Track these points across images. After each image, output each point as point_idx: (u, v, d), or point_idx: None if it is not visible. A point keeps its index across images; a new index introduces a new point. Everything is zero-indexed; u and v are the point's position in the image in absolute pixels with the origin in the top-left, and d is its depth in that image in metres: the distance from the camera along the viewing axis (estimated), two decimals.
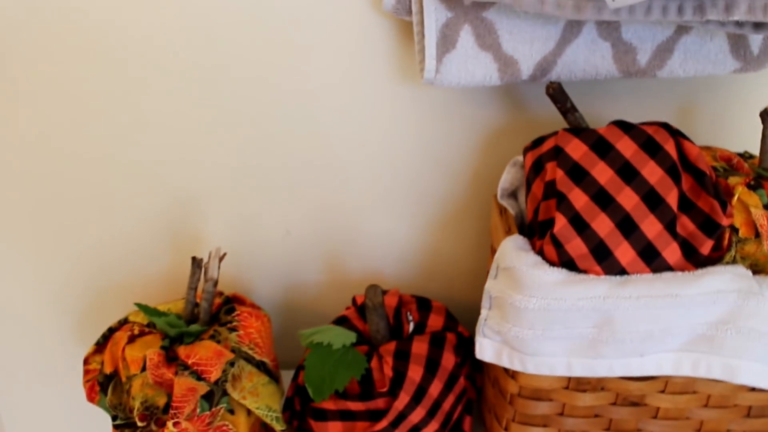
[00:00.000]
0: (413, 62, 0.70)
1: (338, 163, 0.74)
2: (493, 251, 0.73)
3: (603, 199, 0.59)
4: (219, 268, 0.68)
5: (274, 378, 0.69)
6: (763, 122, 0.64)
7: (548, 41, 0.65)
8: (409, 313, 0.70)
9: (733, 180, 0.62)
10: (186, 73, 0.70)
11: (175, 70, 0.70)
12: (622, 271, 0.59)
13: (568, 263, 0.60)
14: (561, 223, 0.59)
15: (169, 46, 0.69)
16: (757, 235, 0.61)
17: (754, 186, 0.61)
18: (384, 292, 0.72)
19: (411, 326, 0.69)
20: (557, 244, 0.59)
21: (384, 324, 0.67)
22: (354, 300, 0.73)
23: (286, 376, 0.78)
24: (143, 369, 0.64)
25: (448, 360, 0.66)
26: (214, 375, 0.64)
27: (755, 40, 0.66)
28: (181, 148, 0.73)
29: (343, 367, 0.65)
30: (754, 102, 0.72)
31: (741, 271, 0.59)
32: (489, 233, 0.78)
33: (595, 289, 0.58)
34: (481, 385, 0.72)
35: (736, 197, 0.61)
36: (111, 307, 0.81)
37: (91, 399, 0.67)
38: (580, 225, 0.59)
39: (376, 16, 0.68)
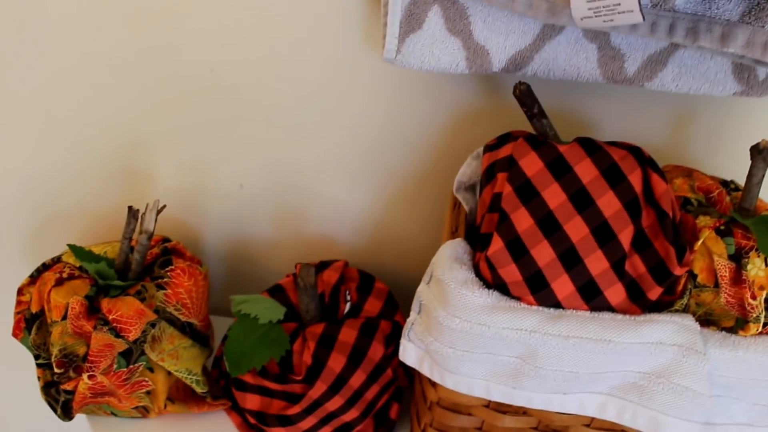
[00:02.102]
0: (377, 30, 0.64)
1: (296, 123, 0.69)
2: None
3: (549, 226, 0.54)
4: (156, 220, 0.65)
5: (201, 339, 0.67)
6: (752, 158, 0.57)
7: (525, 35, 0.58)
8: (347, 293, 0.67)
9: (702, 221, 0.56)
10: (146, 15, 0.65)
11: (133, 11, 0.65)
12: (557, 305, 0.55)
13: (501, 286, 0.56)
14: (497, 245, 0.55)
15: None
16: (717, 284, 0.55)
17: (723, 232, 0.56)
18: (328, 264, 0.69)
19: (347, 306, 0.67)
20: (490, 267, 0.55)
21: (314, 305, 0.64)
22: (296, 268, 0.70)
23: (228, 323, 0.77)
24: (64, 317, 0.63)
25: (376, 351, 0.64)
26: (133, 334, 0.63)
27: None
28: (137, 89, 0.69)
29: (265, 345, 0.63)
30: (757, 120, 0.65)
31: (687, 324, 0.55)
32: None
33: (522, 321, 0.54)
34: (414, 373, 0.70)
35: (700, 242, 0.55)
36: (57, 235, 0.79)
37: (15, 335, 0.67)
38: (518, 250, 0.54)
39: None
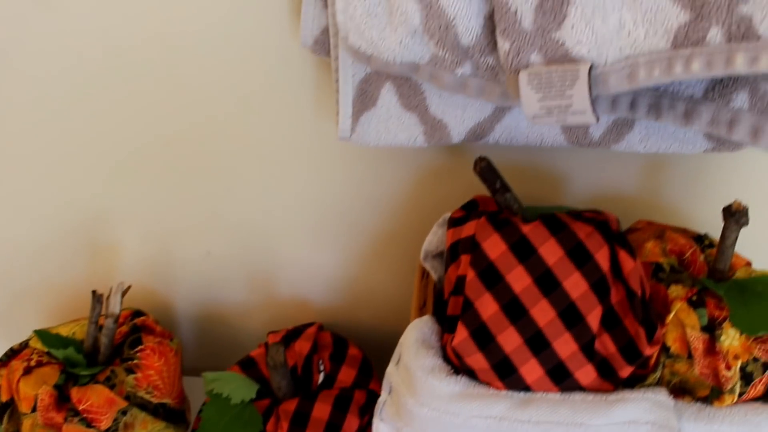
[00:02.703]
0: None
1: (258, 190, 0.67)
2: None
3: (515, 311, 0.53)
4: (121, 302, 0.64)
5: (175, 417, 0.66)
6: (724, 220, 0.55)
7: (484, 106, 0.56)
8: (321, 363, 0.66)
9: (674, 291, 0.55)
10: (108, 84, 0.63)
11: (97, 81, 0.63)
12: (527, 389, 0.54)
13: (469, 372, 0.54)
14: (462, 336, 0.53)
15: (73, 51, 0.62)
16: (690, 355, 0.54)
17: (695, 302, 0.54)
18: (299, 333, 0.68)
19: (321, 377, 0.66)
20: (457, 356, 0.54)
21: (286, 382, 0.63)
22: (267, 338, 0.69)
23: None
24: (34, 408, 0.62)
25: (351, 424, 0.63)
26: (104, 424, 0.62)
27: None
28: (95, 161, 0.67)
29: (238, 426, 0.62)
30: (735, 162, 0.63)
31: (661, 399, 0.53)
32: None
33: (491, 409, 0.53)
34: None
35: (672, 314, 0.54)
36: (26, 312, 0.78)
37: None
38: (483, 338, 0.53)
39: (301, 50, 0.60)
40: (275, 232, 0.70)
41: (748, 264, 0.59)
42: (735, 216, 0.54)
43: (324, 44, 0.56)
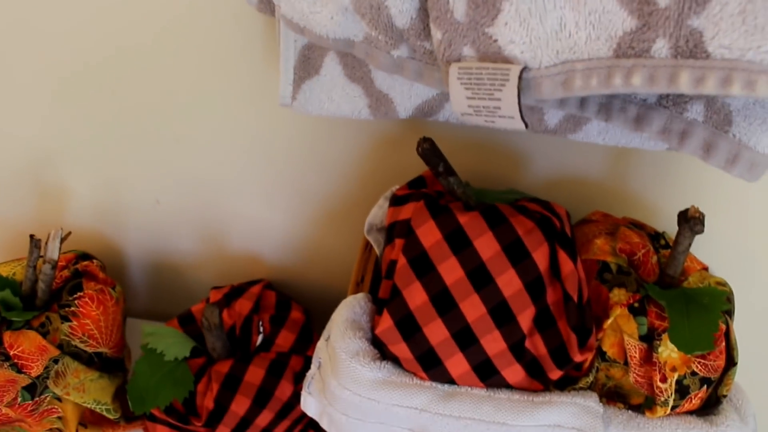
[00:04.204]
0: None
1: (206, 142, 0.65)
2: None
3: (443, 304, 0.51)
4: (60, 249, 0.63)
5: (111, 366, 0.66)
6: (679, 225, 0.52)
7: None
8: (260, 324, 0.65)
9: (616, 295, 0.52)
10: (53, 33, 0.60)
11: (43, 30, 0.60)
12: (451, 382, 0.52)
13: (394, 359, 0.53)
14: (386, 324, 0.51)
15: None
16: (626, 362, 0.52)
17: (636, 310, 0.51)
18: (242, 291, 0.67)
19: (260, 339, 0.64)
20: (381, 343, 0.52)
21: (221, 344, 0.62)
22: (209, 297, 0.67)
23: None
24: None
25: (284, 390, 0.62)
26: (35, 371, 0.61)
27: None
28: (41, 98, 0.65)
29: (169, 383, 0.62)
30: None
31: (590, 405, 0.52)
32: None
33: (413, 399, 0.52)
34: None
35: (609, 321, 0.51)
36: None
37: None
38: (409, 328, 0.51)
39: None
40: (226, 186, 0.68)
41: (704, 269, 0.56)
42: (690, 222, 0.51)
43: (270, 4, 0.52)
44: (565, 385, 0.53)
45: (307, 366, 0.64)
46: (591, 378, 0.53)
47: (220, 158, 0.65)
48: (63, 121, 0.66)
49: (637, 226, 0.58)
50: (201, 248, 0.73)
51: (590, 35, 0.38)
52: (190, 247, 0.73)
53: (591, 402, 0.52)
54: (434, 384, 0.52)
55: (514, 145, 0.61)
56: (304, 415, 0.65)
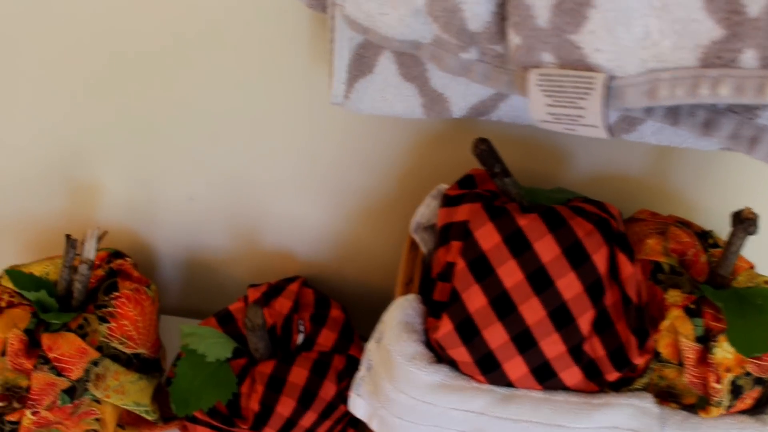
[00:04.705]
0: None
1: (248, 141, 0.64)
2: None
3: (503, 307, 0.50)
4: (96, 249, 0.62)
5: (149, 367, 0.65)
6: (732, 225, 0.52)
7: None
8: (301, 323, 0.64)
9: (672, 296, 0.52)
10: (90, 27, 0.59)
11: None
12: (509, 385, 0.52)
13: (451, 362, 0.52)
14: (446, 328, 0.51)
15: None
16: (681, 363, 0.52)
17: (692, 311, 0.51)
18: (281, 290, 0.66)
19: (300, 338, 0.64)
20: (439, 347, 0.52)
21: (264, 344, 0.62)
22: (246, 295, 0.67)
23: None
24: (4, 352, 0.61)
25: (328, 390, 0.62)
26: (75, 374, 0.60)
27: None
28: (75, 94, 0.63)
29: (212, 385, 0.61)
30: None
31: (646, 407, 0.52)
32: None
33: (471, 403, 0.52)
34: None
35: (666, 322, 0.51)
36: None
37: None
38: (468, 332, 0.51)
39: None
40: (262, 182, 0.67)
41: (751, 267, 0.56)
42: (744, 224, 0.51)
43: (321, 0, 0.51)
44: (620, 386, 0.53)
45: (349, 365, 0.64)
46: (646, 379, 0.53)
47: (258, 155, 0.64)
48: (97, 116, 0.64)
49: (685, 224, 0.58)
50: (234, 245, 0.72)
51: (676, 44, 0.38)
52: (223, 244, 0.72)
53: (647, 403, 0.52)
54: (492, 387, 0.52)
55: (555, 142, 0.60)
56: (344, 414, 0.64)
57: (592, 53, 0.39)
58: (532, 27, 0.40)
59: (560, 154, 0.61)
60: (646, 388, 0.53)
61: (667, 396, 0.54)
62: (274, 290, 0.66)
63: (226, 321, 0.65)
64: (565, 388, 0.52)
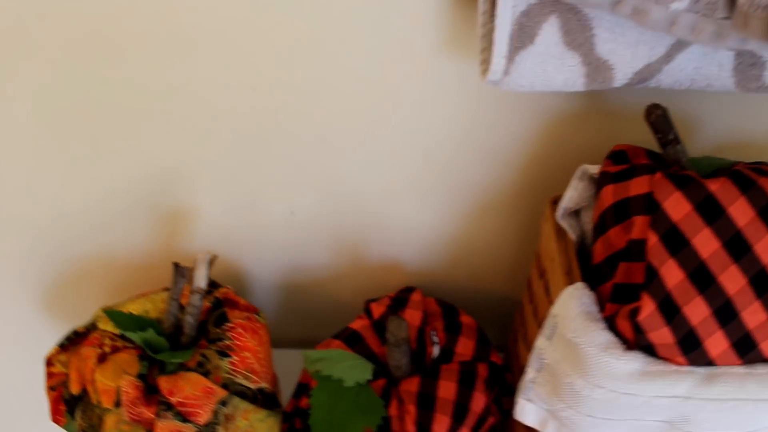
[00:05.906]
0: (461, 30, 0.53)
1: (356, 142, 0.58)
2: (538, 262, 0.61)
3: (702, 279, 0.47)
4: (208, 276, 0.55)
5: (272, 402, 0.59)
6: None
7: (658, 46, 0.48)
8: (434, 334, 0.59)
9: None
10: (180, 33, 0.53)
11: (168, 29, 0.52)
12: (709, 363, 0.48)
13: (645, 347, 0.48)
14: (649, 309, 0.47)
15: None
16: None
17: None
18: (404, 302, 0.61)
19: (436, 350, 0.59)
20: (639, 331, 0.48)
21: (407, 360, 0.56)
22: (368, 309, 0.61)
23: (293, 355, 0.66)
24: (117, 403, 0.54)
25: (478, 402, 0.57)
26: (204, 418, 0.54)
27: None
28: (162, 114, 0.57)
29: (357, 412, 0.55)
30: None
31: None
32: (533, 230, 0.65)
33: (675, 387, 0.48)
34: (508, 408, 0.63)
35: None
36: (81, 286, 0.68)
37: (56, 420, 0.57)
38: (670, 310, 0.47)
39: None
40: (368, 188, 0.61)
41: None
42: None
43: None
44: None
45: (493, 373, 0.59)
46: None
47: (364, 156, 0.59)
48: (190, 132, 0.58)
49: None
50: (336, 261, 0.67)
51: None
52: (325, 261, 0.67)
53: None
54: (693, 368, 0.48)
55: (685, 109, 0.58)
56: (492, 429, 0.59)
57: None
58: None
59: (690, 121, 0.58)
60: None
61: None
62: (398, 302, 0.61)
63: (353, 341, 0.60)
64: (764, 360, 0.49)
